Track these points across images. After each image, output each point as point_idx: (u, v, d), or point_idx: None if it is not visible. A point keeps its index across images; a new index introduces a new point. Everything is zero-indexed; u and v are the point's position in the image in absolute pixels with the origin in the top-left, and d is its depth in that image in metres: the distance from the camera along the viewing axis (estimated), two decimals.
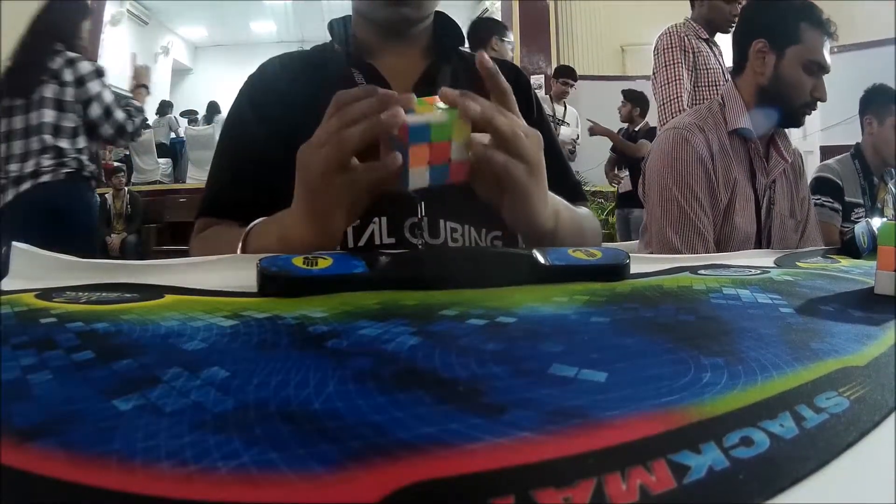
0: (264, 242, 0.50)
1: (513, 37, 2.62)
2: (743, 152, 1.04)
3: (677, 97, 1.68)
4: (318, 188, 0.44)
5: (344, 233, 0.59)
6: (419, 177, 0.42)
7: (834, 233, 1.61)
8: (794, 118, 1.04)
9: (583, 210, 0.72)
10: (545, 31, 5.56)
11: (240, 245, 0.52)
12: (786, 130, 1.11)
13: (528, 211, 0.48)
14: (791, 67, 1.02)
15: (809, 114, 1.04)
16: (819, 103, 1.04)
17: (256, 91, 0.66)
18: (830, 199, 1.73)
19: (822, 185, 1.76)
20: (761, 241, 1.05)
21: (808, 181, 1.86)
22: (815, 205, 1.72)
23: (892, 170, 1.79)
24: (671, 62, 1.71)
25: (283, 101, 0.63)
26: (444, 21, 0.70)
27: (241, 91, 0.67)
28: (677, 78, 1.69)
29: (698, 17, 1.80)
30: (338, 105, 0.43)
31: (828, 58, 1.02)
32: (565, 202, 0.57)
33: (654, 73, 1.76)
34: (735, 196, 1.01)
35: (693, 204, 0.97)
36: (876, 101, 1.78)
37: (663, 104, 1.71)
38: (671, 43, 1.72)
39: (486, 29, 2.43)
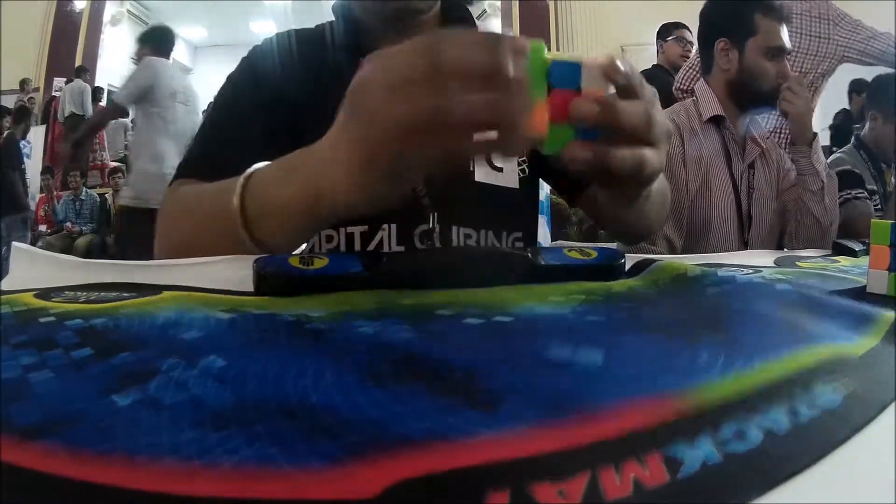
0: (285, 192, 0.38)
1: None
2: (718, 139, 1.11)
3: None
4: (385, 158, 0.32)
5: (350, 239, 0.56)
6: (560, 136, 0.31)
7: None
8: (767, 101, 1.11)
9: None
10: (545, 32, 5.57)
11: (236, 194, 0.40)
12: (759, 118, 1.18)
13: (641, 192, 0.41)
14: (753, 58, 1.09)
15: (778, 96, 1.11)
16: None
17: (256, 66, 0.63)
18: (861, 191, 1.70)
19: (848, 179, 1.71)
20: (742, 223, 1.11)
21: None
22: (850, 199, 1.72)
23: None
24: None
25: (282, 80, 0.61)
26: (455, 8, 0.66)
27: (240, 64, 0.64)
28: None
29: None
30: (443, 44, 0.30)
31: (786, 39, 1.09)
32: None
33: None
34: (709, 179, 1.07)
35: None
36: (882, 96, 1.76)
37: None
38: None
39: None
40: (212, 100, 0.65)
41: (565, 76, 0.31)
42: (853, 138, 1.84)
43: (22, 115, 4.77)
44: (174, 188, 0.55)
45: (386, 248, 0.57)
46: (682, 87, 1.77)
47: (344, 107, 0.34)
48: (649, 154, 0.34)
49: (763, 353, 0.22)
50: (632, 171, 0.34)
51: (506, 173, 0.63)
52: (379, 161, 0.32)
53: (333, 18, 0.66)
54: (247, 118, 0.59)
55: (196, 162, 0.57)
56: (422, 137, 0.30)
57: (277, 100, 0.59)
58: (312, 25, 0.69)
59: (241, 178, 0.41)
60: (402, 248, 0.57)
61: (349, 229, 0.57)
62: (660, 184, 0.53)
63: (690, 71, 1.77)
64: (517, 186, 0.63)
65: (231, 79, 0.63)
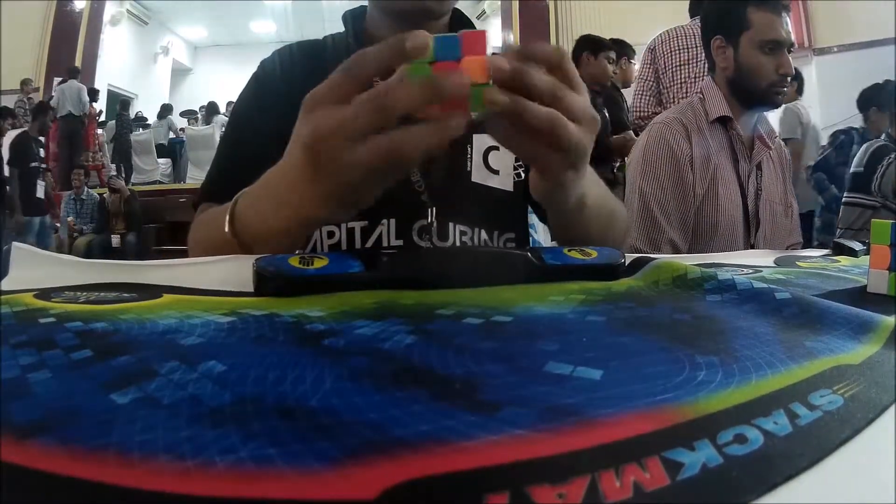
0: (271, 224, 0.43)
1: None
2: (725, 139, 1.08)
3: None
4: (350, 189, 0.38)
5: (351, 234, 0.58)
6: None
7: None
8: (768, 99, 1.08)
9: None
10: (545, 31, 5.57)
11: (227, 226, 0.44)
12: (769, 120, 1.15)
13: (569, 190, 0.44)
14: (748, 54, 1.06)
15: (782, 92, 1.07)
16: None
17: (266, 79, 0.65)
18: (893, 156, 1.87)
19: (884, 151, 1.92)
20: (749, 226, 1.08)
21: (859, 158, 2.01)
22: (891, 164, 1.86)
23: None
24: None
25: (292, 92, 0.62)
26: (460, 20, 0.67)
27: (251, 77, 0.66)
28: None
29: None
30: (360, 70, 0.35)
31: (784, 32, 1.05)
32: (598, 180, 0.53)
33: None
34: (717, 181, 1.04)
35: (660, 208, 1.01)
36: None
37: None
38: None
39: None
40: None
41: (448, 49, 0.34)
42: (883, 136, 1.95)
43: (37, 113, 4.68)
44: (197, 213, 0.59)
45: (385, 243, 0.58)
46: (641, 114, 1.79)
47: (302, 147, 0.39)
48: (564, 121, 0.37)
49: (762, 368, 0.22)
50: (548, 128, 0.36)
51: (502, 176, 0.64)
52: (349, 193, 0.38)
53: (335, 24, 0.67)
54: (257, 138, 0.60)
55: (214, 185, 0.60)
56: (381, 169, 0.35)
57: (285, 117, 0.59)
58: (312, 26, 0.70)
59: (229, 209, 0.45)
60: (400, 243, 0.58)
61: (349, 225, 0.58)
62: (604, 199, 0.54)
63: (643, 97, 1.79)
64: (512, 189, 0.64)
65: (241, 99, 0.65)
